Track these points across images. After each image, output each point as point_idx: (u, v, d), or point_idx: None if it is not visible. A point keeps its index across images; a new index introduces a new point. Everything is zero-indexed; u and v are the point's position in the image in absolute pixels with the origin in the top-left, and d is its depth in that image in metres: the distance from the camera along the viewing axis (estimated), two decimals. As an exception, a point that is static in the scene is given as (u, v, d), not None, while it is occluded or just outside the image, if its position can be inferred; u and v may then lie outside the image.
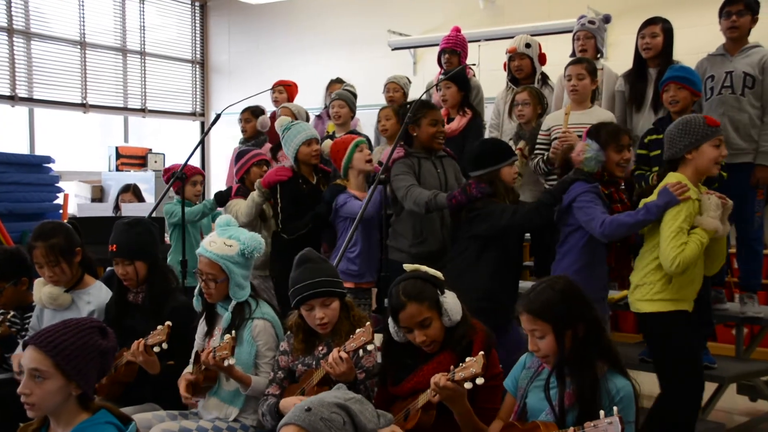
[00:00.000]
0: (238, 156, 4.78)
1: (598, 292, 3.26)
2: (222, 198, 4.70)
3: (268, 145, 5.54)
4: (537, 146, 4.12)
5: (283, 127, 4.29)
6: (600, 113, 4.03)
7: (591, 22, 4.57)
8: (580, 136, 3.87)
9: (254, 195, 4.31)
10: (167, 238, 4.89)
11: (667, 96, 3.78)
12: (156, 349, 2.77)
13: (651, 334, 3.27)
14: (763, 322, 4.25)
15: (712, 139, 3.07)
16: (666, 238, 3.00)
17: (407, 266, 2.64)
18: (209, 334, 2.98)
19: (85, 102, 8.70)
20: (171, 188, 4.53)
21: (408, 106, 3.91)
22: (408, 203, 3.69)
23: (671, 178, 3.09)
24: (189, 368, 2.93)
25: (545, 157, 4.02)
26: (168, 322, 2.78)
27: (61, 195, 7.07)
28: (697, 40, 4.84)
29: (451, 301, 2.49)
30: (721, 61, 4.21)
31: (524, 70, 4.66)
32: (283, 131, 4.28)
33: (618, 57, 5.53)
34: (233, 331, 2.76)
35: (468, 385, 2.20)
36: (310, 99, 6.36)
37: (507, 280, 3.45)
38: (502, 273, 3.41)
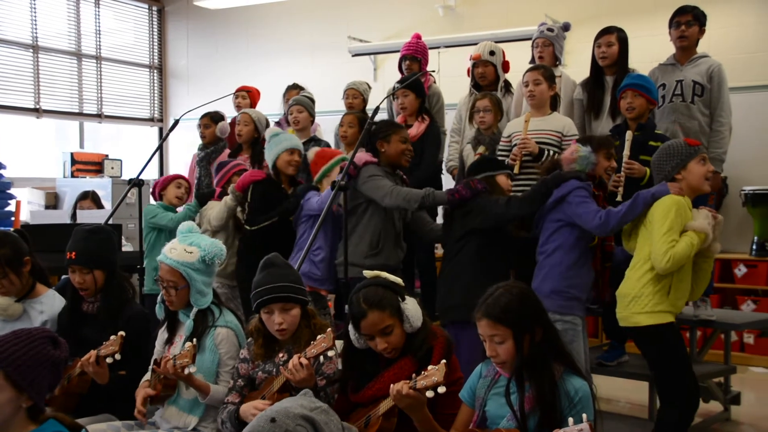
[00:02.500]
0: (218, 167, 4.75)
1: (584, 292, 3.34)
2: (204, 198, 4.66)
3: (227, 152, 5.49)
4: (498, 152, 4.17)
5: (271, 133, 4.30)
6: (558, 119, 4.09)
7: (550, 29, 4.64)
8: (539, 143, 3.93)
9: (227, 199, 4.29)
10: (143, 243, 4.78)
11: (624, 103, 3.86)
12: (109, 360, 2.72)
13: (653, 347, 3.22)
14: (715, 325, 4.34)
15: (696, 157, 3.15)
16: (658, 236, 3.07)
17: (367, 273, 2.64)
18: (170, 341, 2.94)
19: (38, 107, 8.51)
20: (128, 194, 4.45)
21: (372, 116, 3.92)
22: (394, 200, 3.67)
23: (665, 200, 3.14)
24: (147, 376, 2.88)
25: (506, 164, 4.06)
26: (121, 332, 2.73)
27: (13, 202, 6.89)
28: (651, 49, 4.96)
29: (411, 307, 2.49)
30: (671, 70, 4.33)
31: (488, 77, 4.71)
32: (270, 137, 4.27)
33: (575, 65, 5.62)
34: (194, 339, 2.72)
35: (430, 394, 2.21)
36: (271, 105, 6.33)
37: (502, 274, 3.43)
38: (498, 267, 3.44)
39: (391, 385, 2.29)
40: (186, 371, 2.60)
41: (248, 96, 6.04)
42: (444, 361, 2.23)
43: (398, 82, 4.87)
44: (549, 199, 3.37)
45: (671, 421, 3.16)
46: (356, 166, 3.75)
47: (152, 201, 4.77)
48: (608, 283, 3.47)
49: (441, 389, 2.18)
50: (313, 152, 4.26)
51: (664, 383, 3.21)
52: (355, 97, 5.37)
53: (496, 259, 3.48)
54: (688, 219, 3.10)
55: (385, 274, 2.59)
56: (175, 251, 2.84)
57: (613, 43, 4.30)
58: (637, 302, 3.13)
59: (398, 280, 2.58)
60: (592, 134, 3.52)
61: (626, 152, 3.75)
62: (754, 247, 6.02)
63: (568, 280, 3.30)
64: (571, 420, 1.95)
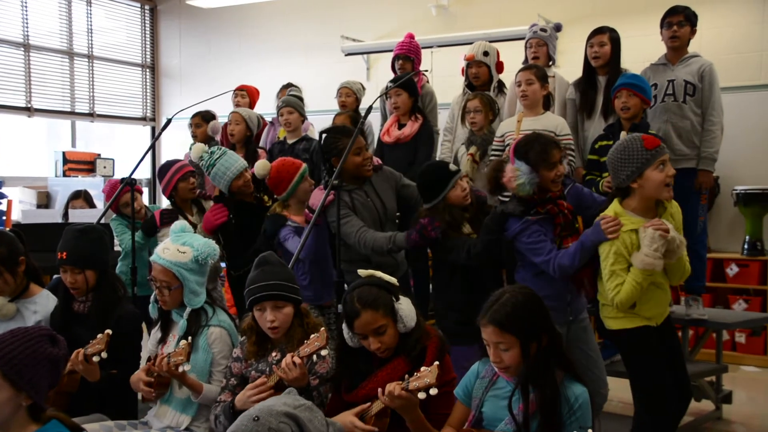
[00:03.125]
0: (161, 171, 4.41)
1: (557, 300, 3.16)
2: (149, 228, 4.35)
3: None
4: (492, 152, 4.17)
5: (205, 163, 3.94)
6: (551, 119, 4.10)
7: (543, 29, 4.66)
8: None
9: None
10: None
11: (618, 102, 3.87)
12: (96, 358, 2.71)
13: (621, 350, 3.23)
14: (707, 324, 4.37)
15: (653, 164, 2.85)
16: (604, 279, 2.94)
17: (362, 272, 2.64)
18: (163, 341, 2.93)
19: (29, 106, 8.47)
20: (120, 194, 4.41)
21: (364, 116, 3.77)
22: (364, 249, 3.53)
23: (611, 209, 2.97)
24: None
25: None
26: (108, 331, 2.72)
27: (4, 201, 6.85)
28: (643, 49, 4.97)
29: (405, 307, 2.49)
30: (663, 70, 4.35)
31: (481, 77, 4.71)
32: (207, 168, 3.95)
33: (567, 65, 5.63)
34: (189, 337, 2.72)
35: (422, 395, 2.20)
36: (264, 104, 6.32)
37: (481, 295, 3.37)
38: (476, 288, 3.29)
39: (383, 386, 2.29)
40: (180, 369, 2.60)
41: (247, 95, 6.03)
42: (437, 362, 2.22)
43: (391, 81, 4.87)
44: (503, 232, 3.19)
45: (644, 427, 3.08)
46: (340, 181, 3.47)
47: (145, 201, 4.68)
48: (592, 281, 3.37)
49: (433, 391, 2.17)
50: (264, 168, 3.78)
51: (635, 387, 3.12)
52: (348, 96, 5.37)
53: (470, 281, 3.35)
54: (633, 250, 2.86)
55: (379, 274, 2.58)
56: (168, 251, 2.83)
57: (606, 43, 4.32)
58: (605, 308, 3.07)
59: (393, 279, 2.57)
60: (528, 143, 3.12)
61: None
62: (746, 246, 6.05)
63: (540, 288, 3.10)
64: None
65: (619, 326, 3.05)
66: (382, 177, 3.84)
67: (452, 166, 3.47)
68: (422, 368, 2.23)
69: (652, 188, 2.88)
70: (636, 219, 2.89)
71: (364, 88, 5.58)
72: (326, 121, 5.36)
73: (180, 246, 2.85)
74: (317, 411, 1.72)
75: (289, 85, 5.89)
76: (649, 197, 2.91)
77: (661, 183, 2.86)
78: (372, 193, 3.76)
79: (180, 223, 2.99)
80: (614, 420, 3.81)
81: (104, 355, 2.70)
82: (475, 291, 3.23)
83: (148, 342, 3.03)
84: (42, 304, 3.17)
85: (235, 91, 6.02)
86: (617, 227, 2.87)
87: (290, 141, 5.08)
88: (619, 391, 4.68)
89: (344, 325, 2.53)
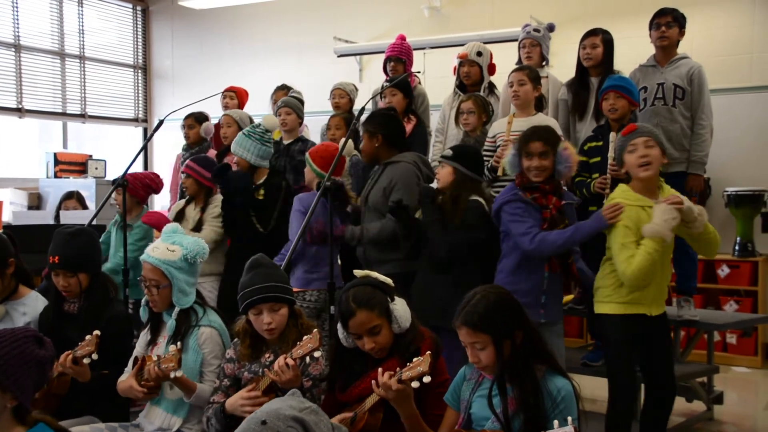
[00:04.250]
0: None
1: (530, 296, 3.20)
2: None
3: (212, 152, 5.47)
4: (484, 153, 4.17)
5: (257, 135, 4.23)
6: (543, 120, 4.10)
7: (536, 30, 4.67)
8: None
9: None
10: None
11: (606, 104, 3.88)
12: (86, 360, 2.70)
13: (600, 335, 3.36)
14: (698, 325, 4.38)
15: (626, 147, 3.13)
16: (615, 255, 3.06)
17: (357, 272, 2.64)
18: (153, 342, 2.92)
19: (20, 107, 8.43)
20: (112, 195, 4.39)
21: (357, 116, 3.91)
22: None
23: (618, 193, 3.17)
24: (123, 377, 2.87)
25: (489, 165, 4.07)
26: (96, 332, 2.71)
27: (-5, 202, 6.82)
28: (635, 50, 4.98)
29: (400, 308, 2.49)
30: (652, 72, 4.36)
31: (472, 77, 4.71)
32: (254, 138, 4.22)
33: (560, 66, 5.64)
34: (179, 343, 2.71)
35: (415, 384, 2.21)
36: (256, 106, 6.31)
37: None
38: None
39: (377, 377, 2.29)
40: (173, 375, 2.59)
41: (236, 96, 6.02)
42: (429, 352, 2.25)
43: (386, 81, 4.88)
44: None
45: (610, 415, 3.23)
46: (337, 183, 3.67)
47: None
48: (574, 280, 3.39)
49: (426, 379, 2.19)
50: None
51: (607, 374, 3.27)
52: (342, 97, 5.37)
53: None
54: (642, 223, 3.02)
55: (375, 274, 2.59)
56: (158, 250, 2.83)
57: (598, 44, 4.33)
58: (598, 292, 3.21)
59: (388, 280, 2.58)
60: (532, 129, 3.36)
61: (611, 153, 3.76)
62: (737, 247, 6.08)
63: (510, 286, 3.06)
64: (556, 423, 1.95)
65: (599, 310, 3.17)
66: (395, 171, 3.83)
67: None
68: (415, 359, 2.25)
69: (631, 170, 3.13)
70: (641, 197, 3.09)
71: (357, 89, 5.58)
72: (318, 123, 5.37)
73: (170, 245, 2.85)
74: (323, 414, 1.72)
75: (283, 87, 5.89)
76: (637, 178, 3.13)
77: (634, 164, 3.10)
78: (377, 176, 3.88)
79: (172, 225, 3.00)
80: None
81: (95, 356, 2.69)
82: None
83: (137, 344, 3.01)
84: (31, 305, 3.15)
85: (223, 92, 6.01)
86: (618, 212, 3.05)
87: (286, 141, 5.09)
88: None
89: (339, 325, 2.53)
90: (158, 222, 4.32)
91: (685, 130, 4.27)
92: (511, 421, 2.16)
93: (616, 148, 3.16)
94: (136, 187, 4.56)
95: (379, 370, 2.32)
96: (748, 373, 5.77)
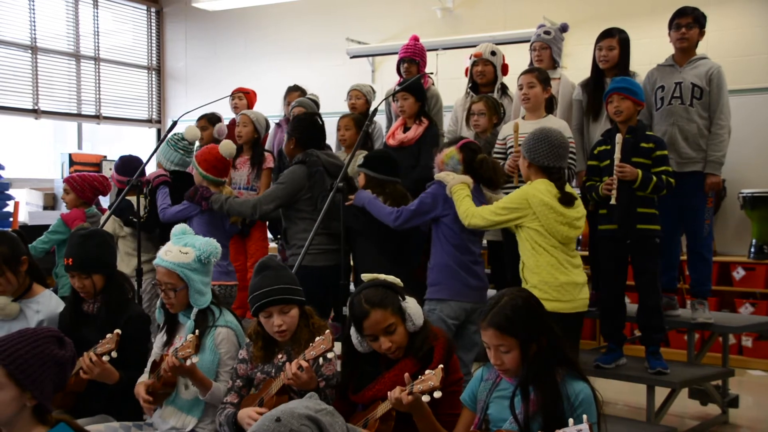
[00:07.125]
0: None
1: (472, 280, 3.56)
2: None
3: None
4: (494, 154, 4.16)
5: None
6: (553, 122, 4.08)
7: (547, 32, 4.64)
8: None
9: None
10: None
11: (611, 107, 3.87)
12: (105, 358, 2.71)
13: None
14: (713, 327, 4.35)
15: None
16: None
17: (365, 276, 2.64)
18: (169, 343, 2.93)
19: (36, 108, 8.50)
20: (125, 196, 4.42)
21: (369, 118, 3.96)
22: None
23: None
24: (144, 377, 2.88)
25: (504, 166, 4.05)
26: (117, 331, 2.72)
27: (11, 202, 6.88)
28: (649, 51, 4.95)
29: (413, 306, 2.50)
30: (670, 72, 4.32)
31: (486, 76, 4.70)
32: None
33: (573, 67, 5.63)
34: (196, 330, 2.72)
35: (426, 398, 2.20)
36: (269, 106, 6.32)
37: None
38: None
39: (389, 393, 2.29)
40: (189, 362, 2.59)
41: (245, 97, 6.04)
42: (441, 366, 2.23)
43: (398, 84, 4.87)
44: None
45: None
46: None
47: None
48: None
49: (437, 394, 2.18)
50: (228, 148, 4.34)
51: None
52: (359, 98, 5.36)
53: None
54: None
55: (383, 276, 2.59)
56: (171, 253, 2.83)
57: (614, 47, 4.29)
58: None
59: (396, 280, 2.58)
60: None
61: (617, 155, 3.74)
62: (753, 249, 6.03)
63: (458, 271, 3.59)
64: (571, 421, 1.94)
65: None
66: (288, 169, 4.15)
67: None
68: (427, 372, 2.23)
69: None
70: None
71: (374, 91, 5.57)
72: (329, 124, 5.36)
73: (182, 247, 2.85)
74: (338, 416, 1.72)
75: (296, 88, 5.89)
76: None
77: None
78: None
79: (180, 226, 2.99)
80: (619, 423, 3.79)
81: (114, 354, 2.70)
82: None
83: (154, 345, 3.03)
84: (44, 303, 3.18)
85: (232, 93, 6.03)
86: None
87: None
88: (624, 394, 4.69)
89: (353, 330, 2.52)
90: (74, 218, 4.50)
91: (702, 130, 4.23)
92: (531, 423, 2.15)
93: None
94: (84, 189, 4.63)
95: (388, 394, 2.31)
96: (764, 376, 5.72)
